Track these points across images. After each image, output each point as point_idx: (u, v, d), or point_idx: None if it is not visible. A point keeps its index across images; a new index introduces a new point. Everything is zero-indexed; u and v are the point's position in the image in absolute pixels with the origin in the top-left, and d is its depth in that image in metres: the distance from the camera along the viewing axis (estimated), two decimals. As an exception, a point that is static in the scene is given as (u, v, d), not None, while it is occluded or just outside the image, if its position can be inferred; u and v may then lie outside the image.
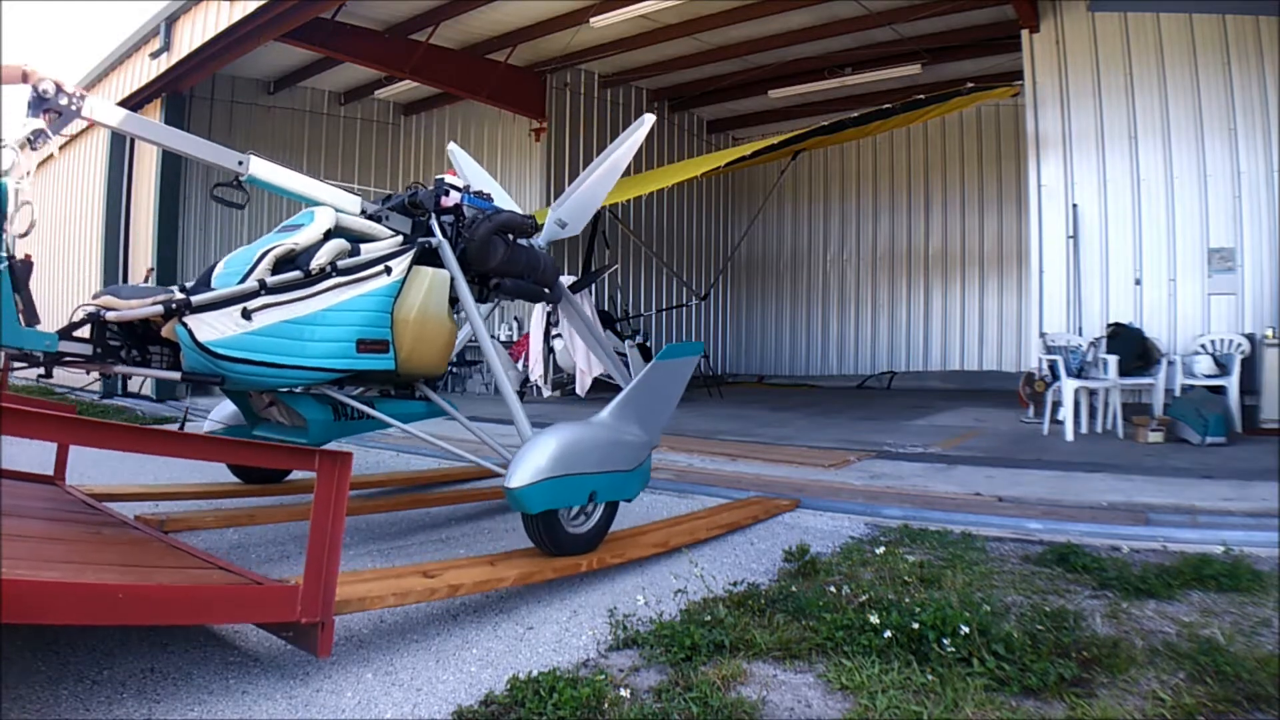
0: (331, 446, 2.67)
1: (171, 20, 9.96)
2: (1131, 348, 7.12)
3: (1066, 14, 8.09)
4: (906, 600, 2.52)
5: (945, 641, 2.21)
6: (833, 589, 2.71)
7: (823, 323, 14.96)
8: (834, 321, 14.82)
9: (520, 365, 10.53)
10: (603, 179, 3.57)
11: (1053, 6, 8.15)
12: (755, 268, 15.80)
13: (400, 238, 3.17)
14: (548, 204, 11.25)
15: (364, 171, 13.45)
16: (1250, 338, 7.05)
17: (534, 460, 2.78)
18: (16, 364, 2.64)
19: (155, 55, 10.26)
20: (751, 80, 12.43)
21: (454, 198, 3.34)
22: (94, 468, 4.44)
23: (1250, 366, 6.88)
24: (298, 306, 2.82)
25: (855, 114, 8.88)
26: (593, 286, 10.52)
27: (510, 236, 3.42)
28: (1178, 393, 6.87)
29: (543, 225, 3.71)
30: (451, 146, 4.56)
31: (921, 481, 4.74)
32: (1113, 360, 6.84)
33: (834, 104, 12.56)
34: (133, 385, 10.16)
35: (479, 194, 3.50)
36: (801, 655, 2.28)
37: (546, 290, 3.63)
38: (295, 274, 2.82)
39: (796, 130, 8.99)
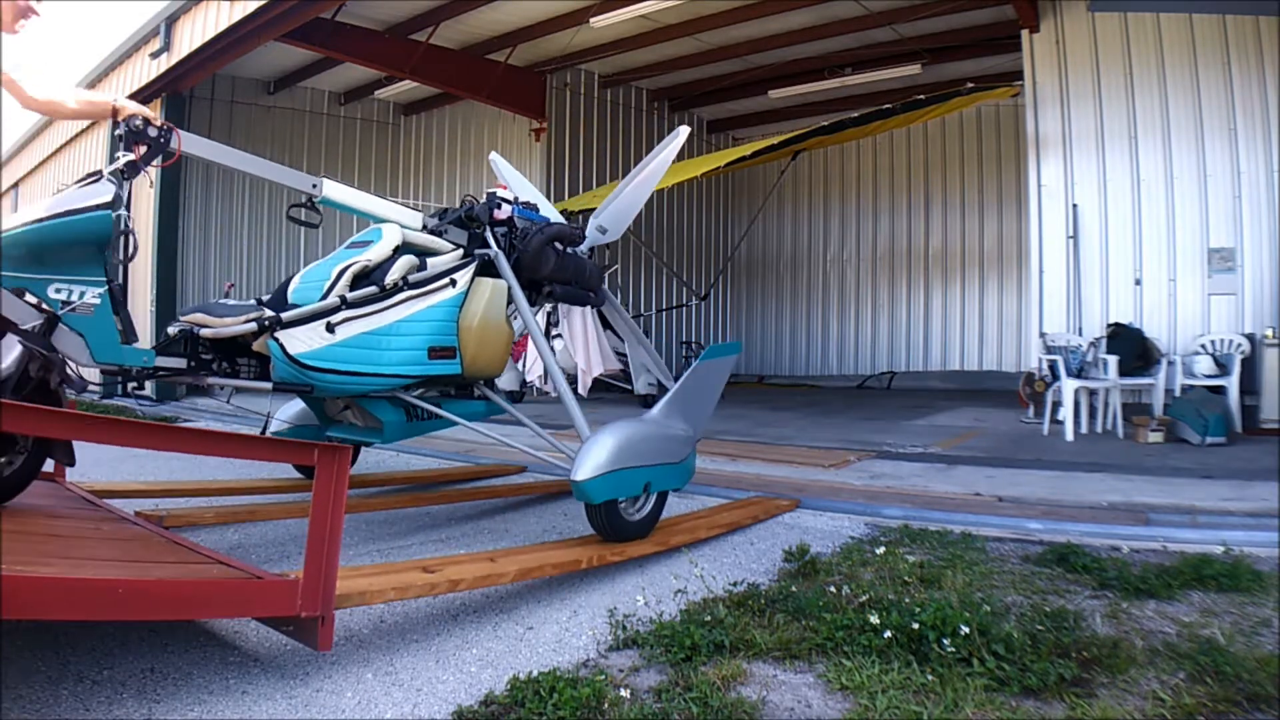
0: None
1: (171, 20, 9.97)
2: (1131, 348, 7.12)
3: (1066, 14, 8.09)
4: (906, 600, 2.52)
5: (945, 641, 2.21)
6: (833, 589, 2.71)
7: (823, 323, 14.96)
8: (834, 321, 14.81)
9: (519, 366, 10.53)
10: (641, 187, 3.81)
11: (1053, 6, 8.15)
12: (755, 268, 15.80)
13: (461, 251, 3.40)
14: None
15: (364, 171, 13.45)
16: (1250, 338, 7.05)
17: (596, 456, 2.99)
18: (115, 378, 2.81)
19: (155, 55, 10.27)
20: (751, 80, 12.42)
21: (506, 210, 3.54)
22: (94, 468, 4.44)
23: (1250, 366, 6.88)
24: (376, 319, 3.06)
25: (855, 114, 8.88)
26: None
27: (560, 246, 3.64)
28: (1178, 393, 6.86)
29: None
30: (494, 156, 4.76)
31: (921, 481, 4.74)
32: (1113, 360, 6.84)
33: (834, 104, 12.56)
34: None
35: (527, 205, 3.73)
36: (801, 655, 2.28)
37: (592, 294, 3.87)
38: (372, 289, 3.05)
39: (796, 130, 8.99)
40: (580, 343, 9.35)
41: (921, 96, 8.40)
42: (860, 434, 7.00)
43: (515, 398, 3.80)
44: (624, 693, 2.02)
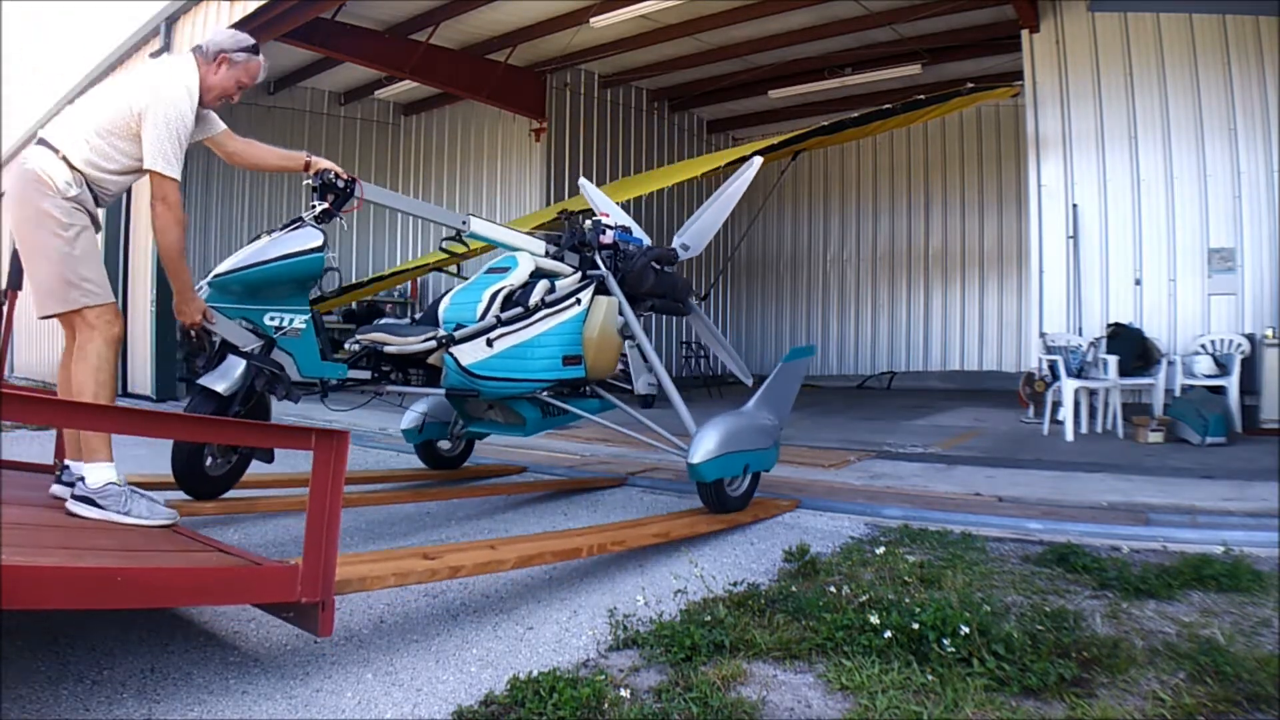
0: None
1: (171, 20, 9.96)
2: (1131, 348, 7.12)
3: (1066, 14, 8.08)
4: (906, 600, 2.52)
5: (945, 641, 2.21)
6: (833, 589, 2.71)
7: (823, 323, 14.95)
8: (834, 321, 14.80)
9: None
10: (720, 210, 4.40)
11: (1053, 6, 8.15)
12: (755, 268, 15.78)
13: (580, 273, 3.94)
14: (548, 204, 11.25)
15: (364, 172, 13.37)
16: (1250, 338, 7.04)
17: (706, 444, 3.47)
18: (313, 388, 3.38)
19: (155, 55, 10.26)
20: (751, 80, 12.41)
21: (609, 236, 4.09)
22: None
23: (1250, 366, 6.87)
24: (523, 334, 3.60)
25: (855, 114, 8.84)
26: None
27: (657, 265, 4.15)
28: (1178, 393, 6.86)
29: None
30: (583, 182, 5.25)
31: (921, 481, 4.75)
32: (1113, 360, 6.84)
33: (834, 104, 12.54)
34: (134, 386, 10.16)
35: (625, 229, 4.28)
36: (801, 655, 2.28)
37: (681, 305, 4.40)
38: (518, 309, 3.61)
39: (796, 130, 8.98)
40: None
41: (921, 96, 8.38)
42: (860, 434, 7.00)
43: (647, 401, 4.20)
44: (624, 693, 2.02)
